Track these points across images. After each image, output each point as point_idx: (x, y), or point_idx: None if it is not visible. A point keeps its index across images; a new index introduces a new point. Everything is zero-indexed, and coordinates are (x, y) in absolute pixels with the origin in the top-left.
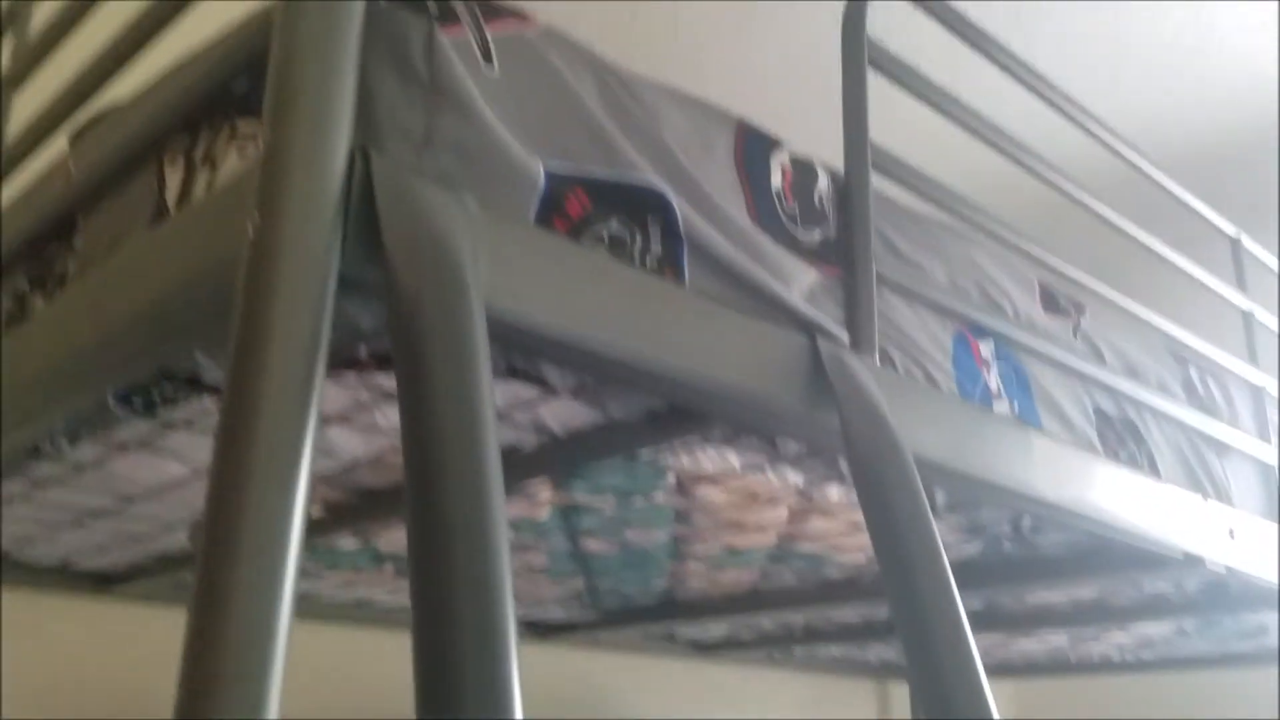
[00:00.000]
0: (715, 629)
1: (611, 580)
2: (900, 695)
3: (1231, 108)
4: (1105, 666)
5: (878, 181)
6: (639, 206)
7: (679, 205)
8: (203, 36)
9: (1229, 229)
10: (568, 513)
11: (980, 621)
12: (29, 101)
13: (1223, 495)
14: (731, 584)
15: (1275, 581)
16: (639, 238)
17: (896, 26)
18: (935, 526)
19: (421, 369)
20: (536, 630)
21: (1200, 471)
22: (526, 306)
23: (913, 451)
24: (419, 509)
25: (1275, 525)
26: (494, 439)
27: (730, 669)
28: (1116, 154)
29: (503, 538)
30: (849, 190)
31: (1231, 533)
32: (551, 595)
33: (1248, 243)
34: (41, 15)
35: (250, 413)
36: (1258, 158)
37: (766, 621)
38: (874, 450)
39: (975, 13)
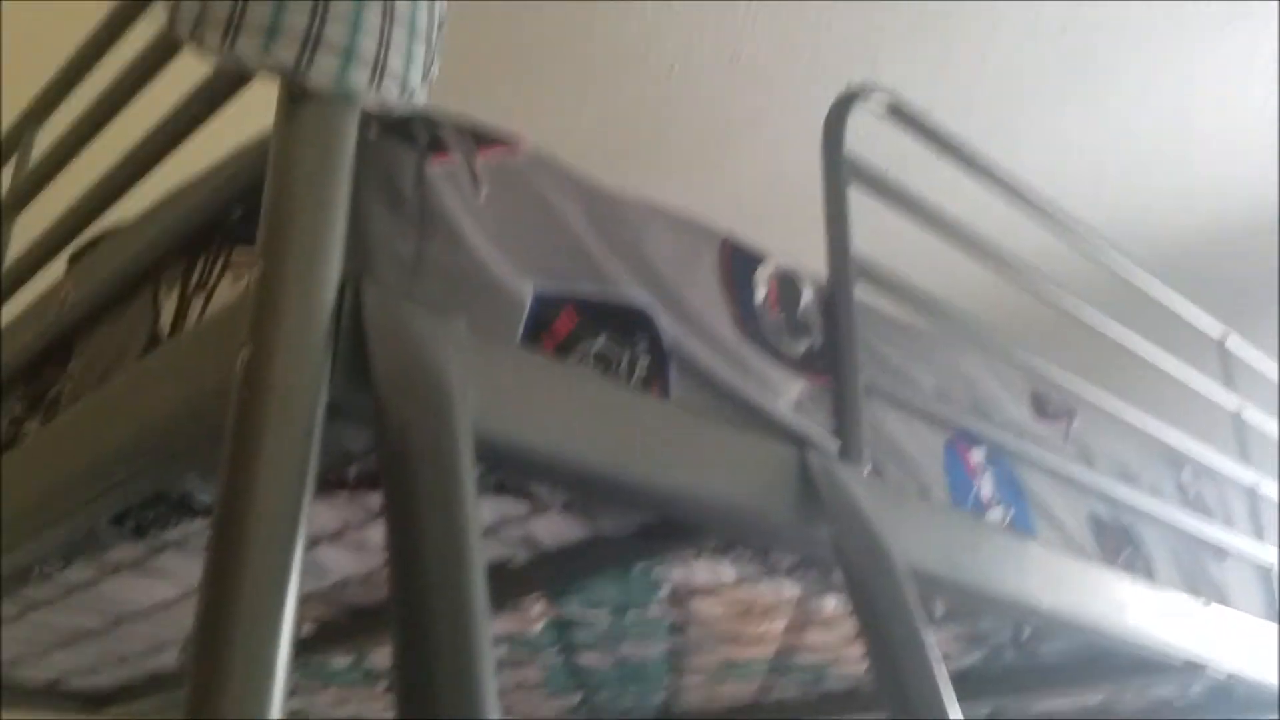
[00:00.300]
0: None
1: (608, 695)
2: None
3: (1218, 202)
4: None
5: (864, 292)
6: (625, 323)
7: (664, 321)
8: (207, 159)
9: (1215, 330)
10: (562, 627)
11: None
12: (30, 224)
13: (1221, 598)
14: (731, 697)
15: (1278, 685)
16: (626, 354)
17: (879, 134)
18: (928, 640)
19: (409, 494)
20: None
21: (1197, 575)
22: (514, 426)
23: (906, 563)
24: (404, 632)
25: (1275, 626)
26: (479, 562)
27: None
28: (1098, 260)
29: (488, 661)
30: (834, 301)
31: (1231, 637)
32: (547, 711)
33: (1234, 343)
34: (44, 140)
35: (240, 536)
36: (1247, 250)
37: None
38: (865, 563)
39: (958, 118)
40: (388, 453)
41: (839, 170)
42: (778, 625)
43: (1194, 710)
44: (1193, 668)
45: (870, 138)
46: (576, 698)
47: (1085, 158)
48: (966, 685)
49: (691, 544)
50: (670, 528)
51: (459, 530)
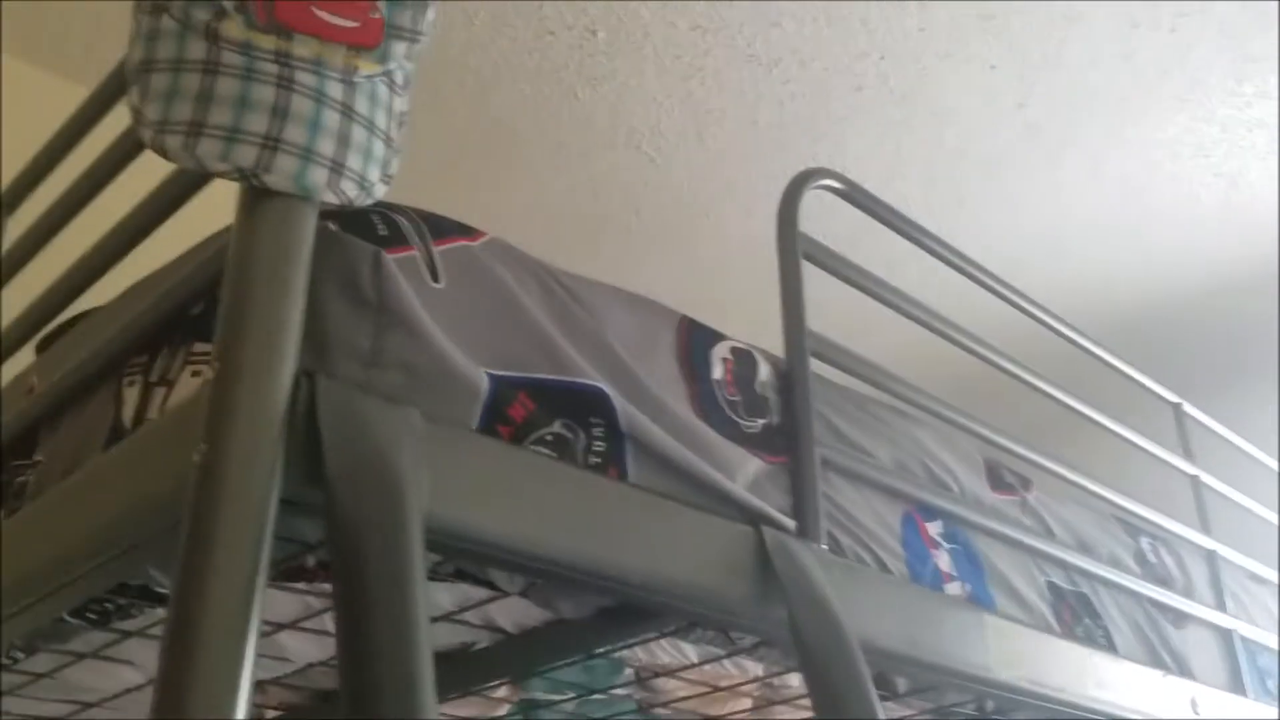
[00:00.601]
0: None
1: None
2: None
3: (1174, 274)
4: None
5: (819, 367)
6: (582, 406)
7: (620, 403)
8: (184, 244)
9: (1170, 396)
10: (527, 708)
11: None
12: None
13: (1182, 667)
14: None
15: None
16: (582, 437)
17: (834, 212)
18: (881, 716)
19: (358, 583)
20: None
21: (1158, 644)
22: (470, 515)
23: (864, 639)
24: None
25: (1238, 697)
26: (427, 651)
27: None
28: (1053, 330)
29: None
30: (790, 378)
31: (1194, 705)
32: None
33: (1189, 409)
34: (14, 230)
35: (195, 624)
36: (1204, 317)
37: None
38: (820, 640)
39: (920, 190)
40: (338, 544)
41: (793, 249)
42: (743, 704)
43: None
44: None
45: (823, 217)
46: None
47: (1043, 228)
48: None
49: (652, 626)
50: (630, 610)
51: (408, 621)
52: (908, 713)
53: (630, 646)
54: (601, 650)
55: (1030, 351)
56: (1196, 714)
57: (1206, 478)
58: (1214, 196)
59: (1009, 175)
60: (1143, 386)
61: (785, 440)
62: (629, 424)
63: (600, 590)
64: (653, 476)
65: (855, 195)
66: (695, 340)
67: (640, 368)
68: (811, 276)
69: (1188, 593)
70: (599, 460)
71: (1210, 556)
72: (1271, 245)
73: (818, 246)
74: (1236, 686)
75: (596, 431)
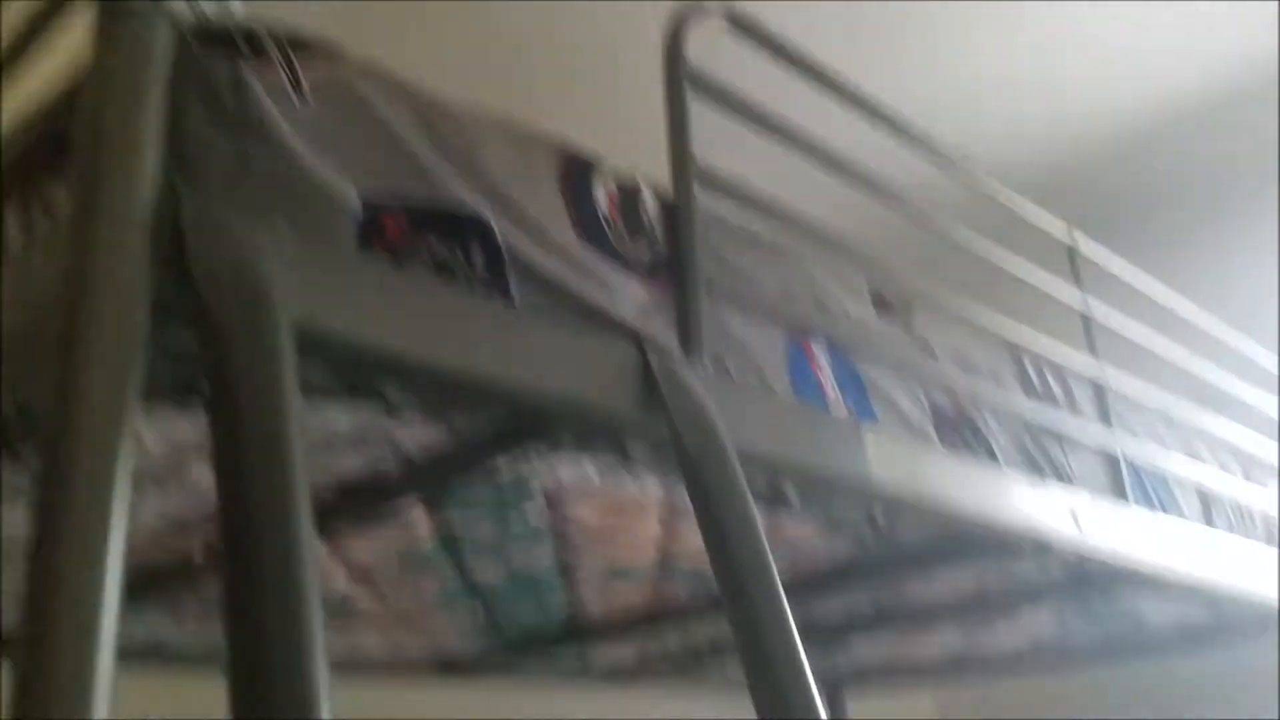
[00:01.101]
0: (623, 652)
1: (509, 609)
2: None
3: (1090, 125)
4: (1006, 667)
5: (709, 202)
6: (459, 230)
7: (502, 225)
8: None
9: (1061, 232)
10: (449, 542)
11: (871, 622)
12: None
13: (1065, 480)
14: (627, 603)
15: (1129, 561)
16: (462, 259)
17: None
18: (758, 520)
19: (227, 392)
20: (444, 668)
21: (1040, 459)
22: (353, 325)
23: (743, 449)
24: (228, 527)
25: (1120, 504)
26: (299, 450)
27: (650, 695)
28: (941, 166)
29: (309, 551)
30: (676, 205)
31: (1074, 515)
32: (450, 629)
33: (1082, 243)
34: None
35: (68, 436)
36: (1115, 176)
37: (671, 641)
38: (702, 455)
39: (838, 45)
40: (206, 348)
41: (679, 80)
42: (652, 525)
43: (1058, 590)
44: (1041, 548)
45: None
46: (478, 614)
47: (961, 85)
48: (846, 578)
49: (545, 440)
50: (522, 425)
51: (280, 423)
52: (802, 525)
53: (528, 458)
54: (501, 462)
55: (935, 202)
56: (1077, 524)
57: (1097, 308)
58: (1128, 55)
59: (926, 34)
60: (1033, 221)
61: (670, 267)
62: (510, 248)
63: (491, 405)
64: (536, 299)
65: (747, 25)
66: (577, 169)
67: (520, 193)
68: (709, 129)
69: (1073, 413)
70: (481, 283)
71: (1099, 389)
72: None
73: (704, 75)
74: (1119, 497)
75: (476, 255)
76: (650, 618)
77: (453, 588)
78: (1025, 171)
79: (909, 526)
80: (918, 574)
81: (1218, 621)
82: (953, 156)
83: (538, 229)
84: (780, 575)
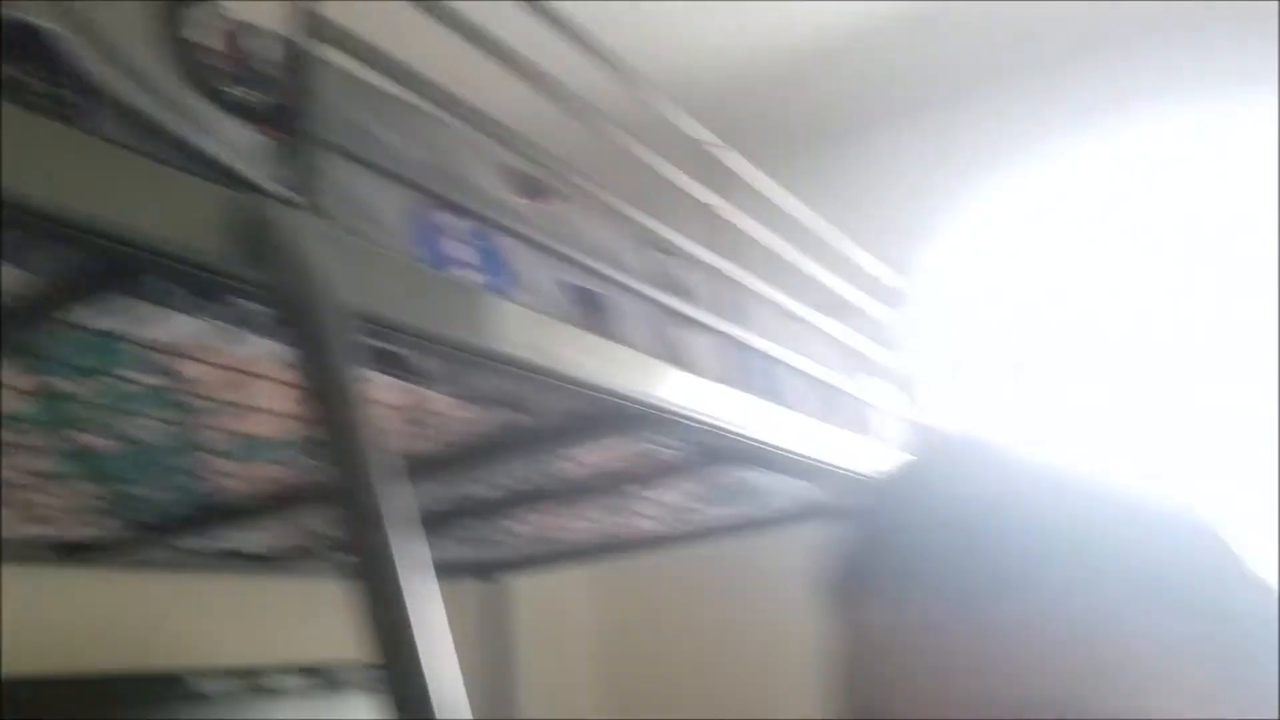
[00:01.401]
0: (270, 537)
1: (134, 485)
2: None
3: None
4: (653, 542)
5: (341, 60)
6: (33, 47)
7: (87, 54)
8: None
9: (708, 138)
10: (54, 402)
11: (521, 499)
12: None
13: (684, 363)
14: (270, 483)
15: (745, 439)
16: (36, 81)
17: None
18: (358, 383)
19: None
20: (64, 551)
21: (670, 344)
22: None
23: (362, 310)
24: None
25: (733, 390)
26: None
27: (303, 583)
28: (602, 60)
29: None
30: (293, 54)
31: (692, 394)
32: (69, 506)
33: (728, 156)
34: None
35: None
36: (788, 87)
37: (320, 523)
38: (308, 312)
39: None
40: None
41: None
42: (283, 396)
43: (690, 467)
44: (667, 423)
45: None
46: (99, 490)
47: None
48: (492, 455)
49: (134, 288)
50: (109, 271)
51: None
52: (445, 399)
53: (121, 309)
54: (90, 311)
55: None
56: (696, 401)
57: (724, 209)
58: None
59: None
60: (678, 126)
61: (286, 116)
62: (92, 74)
63: (69, 243)
64: (125, 134)
65: None
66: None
67: (106, 18)
68: None
69: (691, 301)
70: (57, 108)
71: (722, 280)
72: None
73: None
74: (730, 383)
75: (52, 78)
76: (294, 498)
77: (64, 458)
78: (706, 87)
79: (546, 401)
80: (560, 451)
81: (824, 497)
82: (609, 56)
83: (129, 62)
84: (428, 450)
